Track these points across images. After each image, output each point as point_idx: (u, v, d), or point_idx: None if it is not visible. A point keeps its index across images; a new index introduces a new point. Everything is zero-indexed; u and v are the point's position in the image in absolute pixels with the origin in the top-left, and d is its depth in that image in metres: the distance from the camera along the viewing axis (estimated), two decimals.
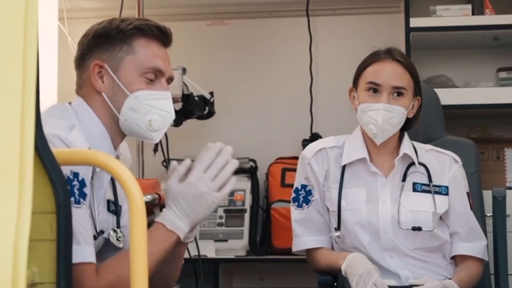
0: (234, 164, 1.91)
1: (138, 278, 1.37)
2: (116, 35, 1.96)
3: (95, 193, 1.93)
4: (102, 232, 1.94)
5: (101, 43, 1.97)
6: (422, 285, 2.40)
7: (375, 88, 2.49)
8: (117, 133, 1.99)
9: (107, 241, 2.02)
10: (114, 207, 2.03)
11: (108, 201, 2.01)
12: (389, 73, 2.49)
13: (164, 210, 1.92)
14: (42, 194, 1.25)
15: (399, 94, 2.49)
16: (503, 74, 3.71)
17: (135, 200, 1.38)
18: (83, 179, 1.79)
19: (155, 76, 1.97)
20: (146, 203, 2.77)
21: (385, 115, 2.46)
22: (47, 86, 3.66)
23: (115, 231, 2.00)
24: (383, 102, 2.46)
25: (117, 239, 2.00)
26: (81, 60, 2.00)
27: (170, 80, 2.03)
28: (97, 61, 1.96)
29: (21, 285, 1.08)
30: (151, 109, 1.95)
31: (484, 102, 3.56)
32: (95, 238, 1.90)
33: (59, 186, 1.27)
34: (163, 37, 2.00)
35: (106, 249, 2.09)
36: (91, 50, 1.98)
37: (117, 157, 2.03)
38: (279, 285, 4.09)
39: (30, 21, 1.15)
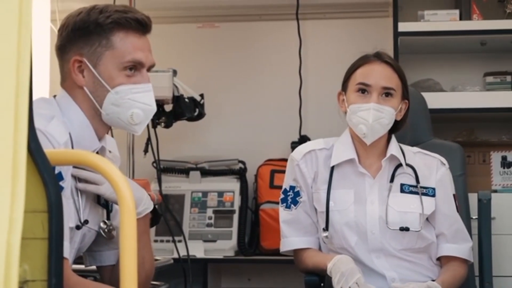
0: None
1: (128, 278, 1.39)
2: (95, 29, 1.96)
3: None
4: (86, 221, 1.97)
5: (80, 37, 1.97)
6: None
7: (364, 89, 2.52)
8: (101, 124, 2.01)
9: (99, 235, 2.05)
10: (104, 200, 2.06)
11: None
12: (378, 74, 2.53)
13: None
14: (34, 194, 1.27)
15: (388, 94, 2.52)
16: (490, 79, 3.75)
17: (125, 201, 1.40)
18: (60, 173, 1.81)
19: (135, 68, 1.98)
20: None
21: (375, 115, 2.49)
22: (39, 87, 3.68)
23: (105, 223, 2.04)
24: (373, 102, 2.49)
25: (108, 231, 2.03)
26: (62, 52, 2.02)
27: (152, 66, 2.04)
28: (77, 56, 1.97)
29: (13, 282, 1.10)
30: (133, 103, 1.96)
31: (471, 106, 3.59)
32: (78, 227, 1.94)
33: (51, 186, 1.29)
34: (141, 27, 2.00)
35: (98, 248, 2.11)
36: (71, 42, 1.99)
37: (103, 148, 2.05)
38: (267, 286, 4.11)
39: (24, 23, 1.17)
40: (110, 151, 2.13)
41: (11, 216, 1.11)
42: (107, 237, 2.04)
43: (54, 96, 2.05)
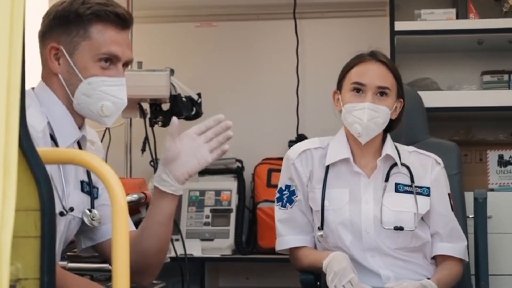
0: (229, 134, 2.01)
1: (120, 277, 1.39)
2: (74, 19, 1.98)
3: (63, 172, 1.97)
4: (72, 209, 1.99)
5: (60, 25, 1.99)
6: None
7: (359, 88, 2.52)
8: (76, 113, 2.02)
9: (84, 224, 2.06)
10: (88, 188, 2.07)
11: (82, 181, 2.06)
12: (373, 73, 2.53)
13: (160, 173, 1.97)
14: (26, 192, 1.27)
15: (383, 94, 2.53)
16: (487, 78, 3.75)
17: (118, 200, 1.40)
18: None
19: (111, 61, 2.00)
20: (132, 202, 2.82)
21: (370, 114, 2.49)
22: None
23: (90, 211, 2.05)
24: (368, 101, 2.50)
25: (92, 219, 2.04)
26: (42, 38, 2.04)
27: (129, 62, 2.05)
28: (54, 43, 1.99)
29: (4, 281, 1.10)
30: (104, 95, 1.98)
31: (468, 105, 3.59)
32: (62, 214, 1.95)
33: (43, 184, 1.29)
34: (120, 22, 2.01)
35: (90, 227, 2.11)
36: (51, 30, 2.01)
37: (83, 137, 2.07)
38: (265, 284, 4.12)
39: (16, 17, 1.17)
40: (94, 142, 2.16)
41: (2, 215, 1.11)
42: (91, 226, 2.05)
43: (33, 89, 2.06)
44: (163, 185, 1.97)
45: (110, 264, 2.09)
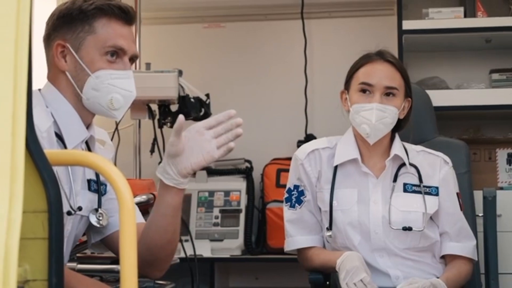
0: (239, 132, 1.92)
1: (129, 278, 1.39)
2: (78, 15, 2.00)
3: (71, 171, 1.97)
4: (80, 208, 1.99)
5: (64, 24, 2.00)
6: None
7: (367, 89, 2.52)
8: (85, 112, 2.02)
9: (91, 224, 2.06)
10: (96, 186, 2.07)
11: (89, 180, 2.06)
12: (381, 73, 2.52)
13: (164, 165, 1.92)
14: (34, 194, 1.27)
15: (391, 94, 2.52)
16: (495, 76, 3.75)
17: (125, 202, 1.40)
18: None
19: (117, 55, 2.00)
20: (141, 203, 2.82)
21: (378, 115, 2.49)
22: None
23: (96, 210, 2.05)
24: (376, 102, 2.49)
25: (98, 218, 2.04)
26: (47, 40, 2.05)
27: (134, 57, 2.06)
28: (60, 41, 2.00)
29: (12, 283, 1.11)
30: (113, 88, 1.98)
31: (477, 103, 3.59)
32: (70, 213, 1.95)
33: (51, 186, 1.29)
34: (124, 15, 2.02)
35: (95, 230, 2.11)
36: (56, 30, 2.02)
37: (91, 138, 2.07)
38: (275, 284, 4.12)
39: (22, 19, 1.17)
40: (105, 142, 2.16)
41: (10, 217, 1.12)
42: (99, 226, 2.05)
43: (39, 90, 2.06)
44: (166, 178, 1.93)
45: (117, 255, 2.09)
